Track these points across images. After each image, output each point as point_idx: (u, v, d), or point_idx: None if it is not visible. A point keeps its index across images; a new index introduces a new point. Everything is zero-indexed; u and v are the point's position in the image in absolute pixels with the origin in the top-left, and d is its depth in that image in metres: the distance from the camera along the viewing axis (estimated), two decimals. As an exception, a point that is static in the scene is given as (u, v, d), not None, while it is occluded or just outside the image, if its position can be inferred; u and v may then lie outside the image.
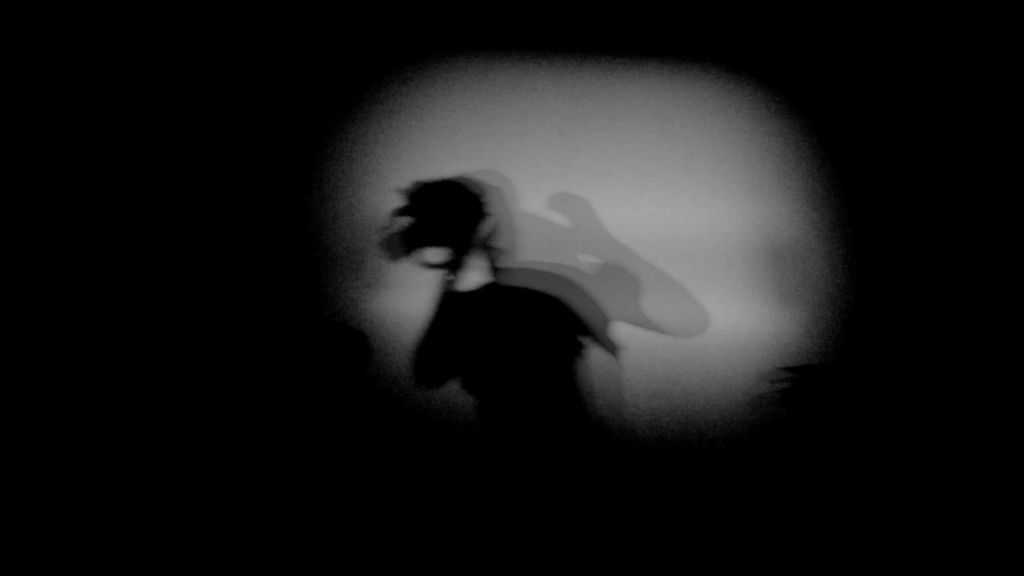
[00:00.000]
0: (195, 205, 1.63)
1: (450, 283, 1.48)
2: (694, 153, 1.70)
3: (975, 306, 1.61)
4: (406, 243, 1.50)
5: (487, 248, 1.51)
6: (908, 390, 1.59)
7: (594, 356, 1.58)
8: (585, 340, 1.54)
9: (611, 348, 1.50)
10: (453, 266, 1.50)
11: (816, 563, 1.53)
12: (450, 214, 1.50)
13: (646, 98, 1.71)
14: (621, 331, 1.61)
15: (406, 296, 1.61)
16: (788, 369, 1.56)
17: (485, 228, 1.50)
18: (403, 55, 1.71)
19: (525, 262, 1.64)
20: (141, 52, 1.66)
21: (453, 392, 1.58)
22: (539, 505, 1.49)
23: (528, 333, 1.50)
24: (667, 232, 1.66)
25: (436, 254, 1.51)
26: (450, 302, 1.49)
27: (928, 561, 1.51)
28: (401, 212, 1.48)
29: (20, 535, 1.46)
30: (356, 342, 1.59)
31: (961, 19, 1.69)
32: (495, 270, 1.53)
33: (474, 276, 1.52)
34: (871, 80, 1.71)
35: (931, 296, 1.63)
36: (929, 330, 1.62)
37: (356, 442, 1.57)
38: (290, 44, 1.69)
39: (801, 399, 1.57)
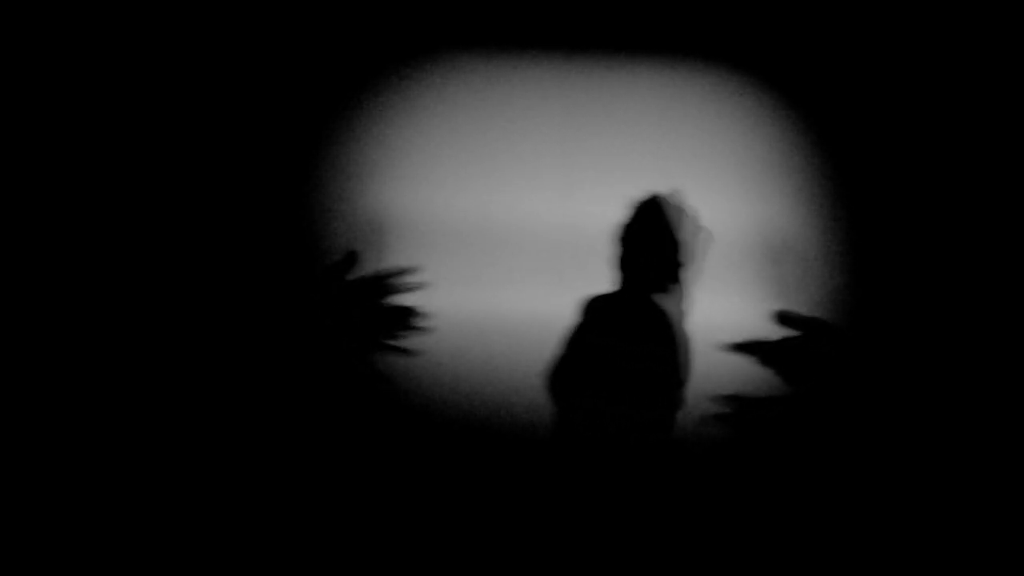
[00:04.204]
0: (192, 203, 1.63)
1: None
2: (694, 151, 1.70)
3: (976, 305, 1.61)
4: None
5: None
6: (908, 389, 1.59)
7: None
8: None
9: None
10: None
11: (813, 563, 1.53)
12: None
13: (646, 97, 1.72)
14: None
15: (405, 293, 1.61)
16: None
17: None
18: (402, 53, 1.71)
19: (526, 262, 1.64)
20: (135, 44, 1.66)
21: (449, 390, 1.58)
22: (537, 506, 1.49)
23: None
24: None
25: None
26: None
27: (928, 561, 1.51)
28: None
29: (19, 535, 1.46)
30: (353, 339, 1.59)
31: (961, 19, 1.70)
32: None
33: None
34: (871, 79, 1.71)
35: (931, 294, 1.63)
36: (929, 328, 1.62)
37: (355, 438, 1.57)
38: (289, 41, 1.69)
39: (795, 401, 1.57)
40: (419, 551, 1.51)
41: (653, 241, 1.39)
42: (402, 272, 1.42)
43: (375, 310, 1.59)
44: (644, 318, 1.45)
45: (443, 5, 1.71)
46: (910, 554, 1.52)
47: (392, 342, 1.47)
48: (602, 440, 1.37)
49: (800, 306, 1.64)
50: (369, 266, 1.64)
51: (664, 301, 1.45)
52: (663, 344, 1.42)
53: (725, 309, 1.64)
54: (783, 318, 1.41)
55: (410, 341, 1.60)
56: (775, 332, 1.60)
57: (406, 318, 1.45)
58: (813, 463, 1.59)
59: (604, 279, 1.69)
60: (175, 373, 1.56)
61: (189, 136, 1.64)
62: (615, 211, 1.71)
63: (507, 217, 1.66)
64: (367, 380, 1.59)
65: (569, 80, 1.71)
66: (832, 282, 1.65)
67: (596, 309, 1.47)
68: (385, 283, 1.48)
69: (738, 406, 1.57)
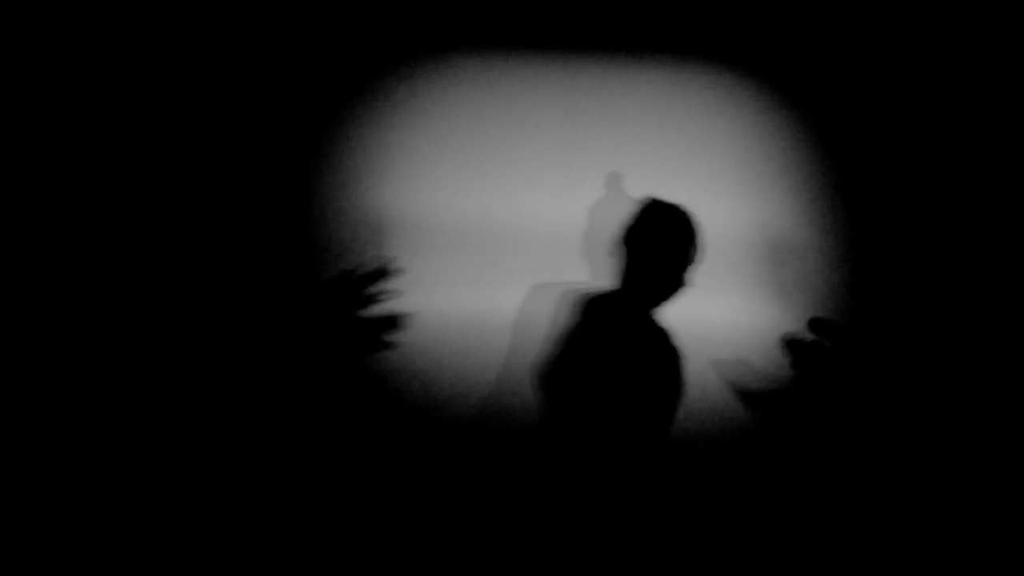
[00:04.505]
0: (195, 203, 1.63)
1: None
2: (694, 151, 1.70)
3: (974, 303, 1.61)
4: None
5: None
6: (907, 388, 1.59)
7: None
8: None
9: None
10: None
11: (813, 563, 1.53)
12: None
13: (646, 97, 1.72)
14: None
15: (406, 293, 1.61)
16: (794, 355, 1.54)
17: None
18: (403, 53, 1.71)
19: (525, 262, 1.64)
20: (136, 45, 1.66)
21: (450, 388, 1.58)
22: (538, 505, 1.49)
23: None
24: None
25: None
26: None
27: (927, 561, 1.51)
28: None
29: (19, 535, 1.46)
30: (353, 337, 1.59)
31: (961, 19, 1.69)
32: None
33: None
34: (871, 79, 1.71)
35: (930, 293, 1.63)
36: (928, 328, 1.62)
37: (355, 438, 1.57)
38: (289, 41, 1.69)
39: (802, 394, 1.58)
40: (417, 546, 1.51)
41: (658, 244, 1.39)
42: (387, 268, 1.42)
43: (370, 310, 1.59)
44: (645, 320, 1.45)
45: (443, 5, 1.71)
46: (912, 550, 1.52)
47: (387, 339, 1.47)
48: (598, 438, 1.37)
49: (800, 306, 1.64)
50: (368, 266, 1.64)
51: (665, 304, 1.45)
52: (666, 347, 1.42)
53: (725, 309, 1.64)
54: (816, 325, 1.41)
55: (403, 338, 1.60)
56: (784, 333, 1.61)
57: (396, 317, 1.46)
58: (819, 457, 1.59)
59: (600, 278, 1.70)
60: (176, 371, 1.56)
61: (190, 137, 1.64)
62: (615, 211, 1.71)
63: (507, 217, 1.67)
64: (365, 378, 1.59)
65: (569, 80, 1.71)
66: (832, 282, 1.65)
67: (592, 308, 1.48)
68: (378, 282, 1.49)
69: (750, 400, 1.57)
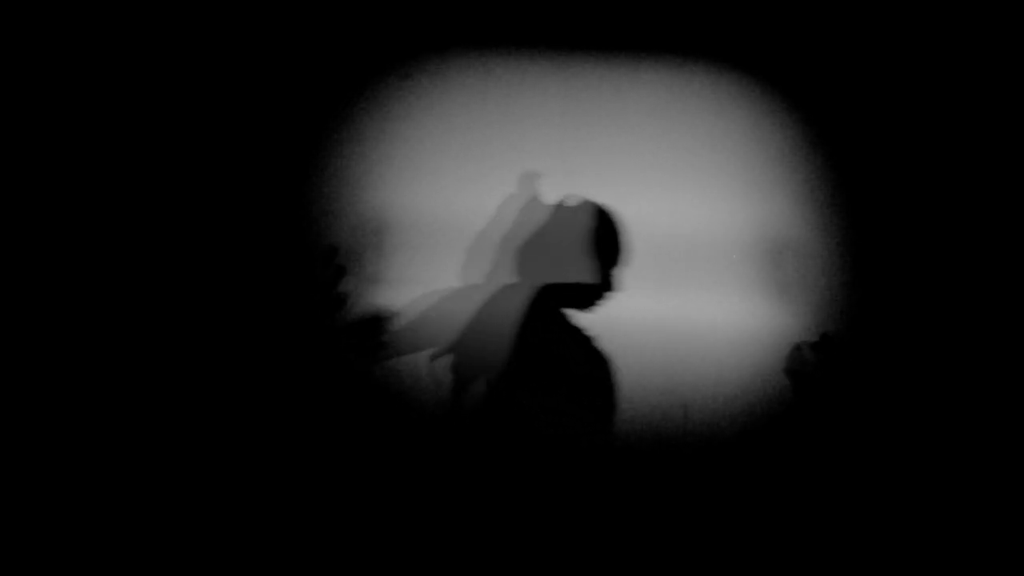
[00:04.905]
0: (193, 203, 1.63)
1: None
2: (694, 151, 1.70)
3: (975, 304, 1.61)
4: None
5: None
6: (908, 388, 1.59)
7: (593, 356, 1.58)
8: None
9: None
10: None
11: (814, 562, 1.53)
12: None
13: (646, 96, 1.72)
14: (620, 329, 1.61)
15: (406, 293, 1.61)
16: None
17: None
18: (403, 52, 1.71)
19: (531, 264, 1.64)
20: (136, 44, 1.66)
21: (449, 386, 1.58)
22: (537, 504, 1.49)
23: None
24: (666, 229, 1.67)
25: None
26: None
27: (927, 561, 1.51)
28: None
29: (19, 535, 1.46)
30: (352, 337, 1.59)
31: (961, 19, 1.69)
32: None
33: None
34: (871, 78, 1.71)
35: (931, 294, 1.63)
36: (929, 328, 1.62)
37: (356, 438, 1.57)
38: (289, 40, 1.69)
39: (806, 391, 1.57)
40: (405, 544, 1.51)
41: (612, 248, 1.40)
42: (385, 268, 1.43)
43: (368, 310, 1.59)
44: (581, 322, 1.45)
45: (443, 5, 1.71)
46: (910, 552, 1.52)
47: (385, 339, 1.47)
48: (560, 437, 1.38)
49: (800, 306, 1.64)
50: (369, 266, 1.64)
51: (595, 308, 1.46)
52: (591, 351, 1.43)
53: (725, 309, 1.64)
54: (821, 345, 1.41)
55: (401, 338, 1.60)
56: (789, 342, 1.61)
57: (394, 317, 1.46)
58: (819, 458, 1.59)
59: (590, 278, 1.70)
60: (175, 372, 1.56)
61: (190, 137, 1.64)
62: (614, 211, 1.71)
63: (506, 216, 1.67)
64: (364, 378, 1.59)
65: (569, 80, 1.71)
66: (832, 282, 1.65)
67: (556, 300, 1.47)
68: (376, 282, 1.49)
69: (751, 400, 1.57)
